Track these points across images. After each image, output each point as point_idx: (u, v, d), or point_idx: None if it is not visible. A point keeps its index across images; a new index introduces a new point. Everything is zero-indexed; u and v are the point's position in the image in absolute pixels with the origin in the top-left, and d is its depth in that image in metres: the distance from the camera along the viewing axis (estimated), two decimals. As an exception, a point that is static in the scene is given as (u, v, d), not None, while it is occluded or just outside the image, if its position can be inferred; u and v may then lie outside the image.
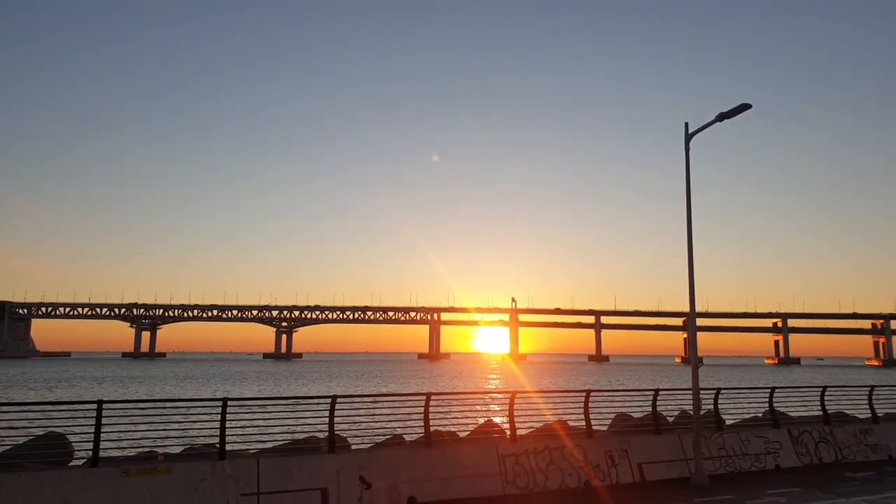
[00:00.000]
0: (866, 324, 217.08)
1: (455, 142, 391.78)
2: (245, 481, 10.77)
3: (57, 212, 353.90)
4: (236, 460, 11.04)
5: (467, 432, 14.28)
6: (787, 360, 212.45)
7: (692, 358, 15.41)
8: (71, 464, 11.46)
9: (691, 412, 14.87)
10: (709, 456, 14.93)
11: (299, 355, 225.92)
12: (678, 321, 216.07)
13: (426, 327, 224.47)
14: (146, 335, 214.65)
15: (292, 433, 12.83)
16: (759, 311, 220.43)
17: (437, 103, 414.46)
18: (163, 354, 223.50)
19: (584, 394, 14.78)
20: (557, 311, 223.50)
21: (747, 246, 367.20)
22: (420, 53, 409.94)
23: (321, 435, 12.44)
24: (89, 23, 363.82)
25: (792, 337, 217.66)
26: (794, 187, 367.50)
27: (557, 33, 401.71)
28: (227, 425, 11.40)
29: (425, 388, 62.85)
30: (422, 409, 13.02)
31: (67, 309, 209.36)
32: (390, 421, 13.57)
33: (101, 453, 10.63)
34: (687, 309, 15.49)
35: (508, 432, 13.69)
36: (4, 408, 11.08)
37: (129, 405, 12.97)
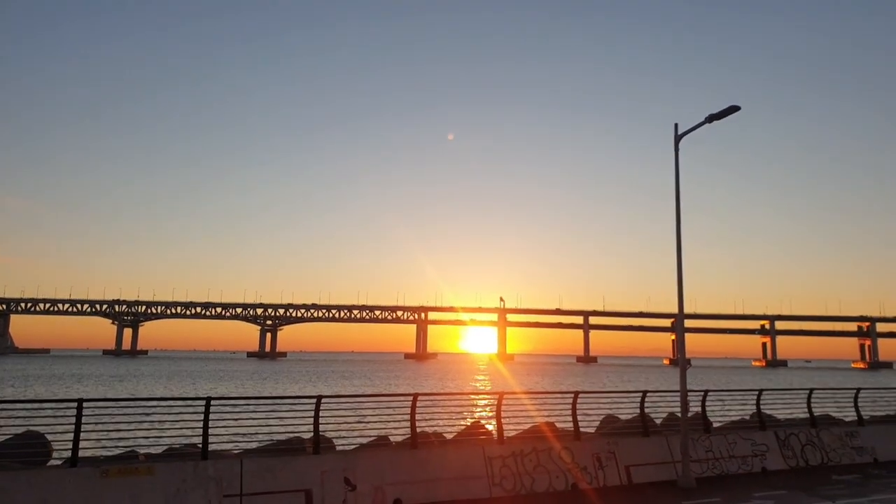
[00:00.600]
0: (852, 326, 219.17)
1: (444, 140, 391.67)
2: (228, 482, 10.58)
3: (37, 206, 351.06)
4: (219, 461, 10.85)
5: (454, 434, 14.16)
6: (774, 362, 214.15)
7: (680, 360, 15.37)
8: (49, 463, 11.25)
9: (679, 414, 14.83)
10: (696, 458, 14.90)
11: (284, 354, 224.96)
12: (666, 322, 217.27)
13: (413, 327, 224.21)
14: (128, 332, 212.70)
15: (276, 434, 12.67)
16: (746, 313, 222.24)
17: (427, 101, 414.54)
18: (145, 352, 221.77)
19: (571, 395, 14.71)
20: (546, 312, 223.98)
21: (735, 248, 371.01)
22: (408, 49, 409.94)
23: (306, 436, 12.29)
24: (66, 18, 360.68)
25: (779, 339, 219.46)
26: (783, 190, 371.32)
27: (546, 31, 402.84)
28: (210, 425, 11.21)
29: (412, 389, 62.77)
30: (408, 410, 12.89)
31: (48, 305, 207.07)
32: (376, 422, 13.42)
33: (81, 453, 10.41)
34: (675, 310, 15.45)
35: (496, 434, 13.58)
36: (-19, 406, 10.84)
37: (110, 404, 12.75)
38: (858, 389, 18.72)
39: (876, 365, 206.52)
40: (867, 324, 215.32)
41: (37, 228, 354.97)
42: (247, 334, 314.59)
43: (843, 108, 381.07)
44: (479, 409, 25.84)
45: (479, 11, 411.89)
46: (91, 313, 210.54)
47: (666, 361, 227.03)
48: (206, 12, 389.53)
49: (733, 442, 15.75)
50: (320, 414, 12.03)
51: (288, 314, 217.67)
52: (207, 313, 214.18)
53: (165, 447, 11.95)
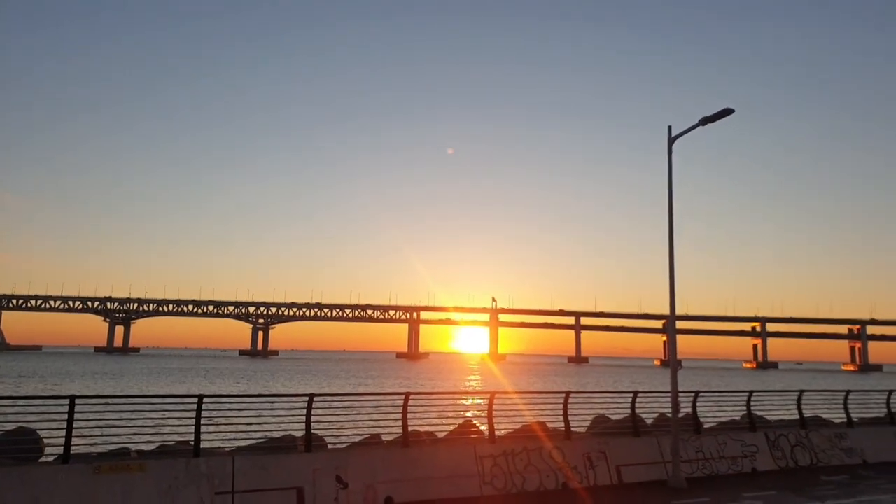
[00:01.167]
0: (843, 329, 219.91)
1: (438, 142, 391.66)
2: (220, 479, 10.60)
3: (30, 202, 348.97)
4: (211, 458, 10.87)
5: (445, 433, 14.21)
6: (765, 364, 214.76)
7: (671, 360, 15.44)
8: (41, 460, 11.24)
9: (670, 415, 14.91)
10: (686, 459, 14.98)
11: (276, 353, 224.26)
12: (658, 324, 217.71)
13: (405, 326, 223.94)
14: (120, 330, 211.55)
15: (269, 432, 12.68)
16: (738, 314, 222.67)
17: (422, 102, 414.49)
18: (136, 350, 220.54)
19: (563, 395, 14.77)
20: (538, 312, 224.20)
21: (727, 250, 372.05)
22: (402, 50, 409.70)
23: (298, 434, 12.31)
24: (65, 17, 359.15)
25: (770, 341, 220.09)
26: (776, 193, 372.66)
27: (540, 34, 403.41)
28: (202, 423, 11.22)
29: (404, 388, 62.79)
30: (400, 409, 12.92)
31: (39, 301, 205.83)
32: (368, 420, 13.45)
33: (73, 450, 10.41)
34: (667, 312, 15.52)
35: (487, 433, 13.63)
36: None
37: (102, 401, 12.75)
38: (848, 392, 18.86)
39: (866, 367, 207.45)
40: (857, 327, 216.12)
41: (29, 225, 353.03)
42: (239, 332, 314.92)
43: (835, 113, 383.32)
44: (470, 409, 25.89)
45: (475, 14, 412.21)
46: (83, 310, 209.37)
47: (657, 362, 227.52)
48: (205, 11, 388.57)
49: (723, 443, 15.84)
50: (312, 412, 12.06)
51: (280, 313, 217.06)
52: (199, 311, 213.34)
53: (158, 444, 11.94)
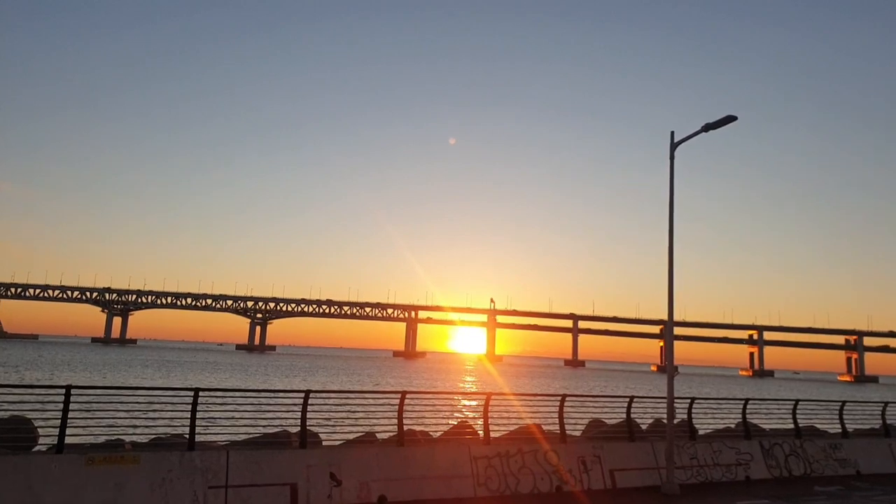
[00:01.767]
0: (840, 339, 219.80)
1: (438, 140, 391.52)
2: (213, 473, 10.60)
3: (30, 192, 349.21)
4: (205, 452, 10.86)
5: (441, 433, 14.20)
6: (761, 373, 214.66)
7: (668, 366, 15.43)
8: (35, 449, 11.23)
9: (665, 420, 14.90)
10: (681, 465, 14.97)
11: (273, 348, 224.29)
12: (655, 329, 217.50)
13: (403, 325, 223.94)
14: (117, 321, 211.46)
15: (264, 427, 12.68)
16: (735, 322, 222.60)
17: (422, 101, 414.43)
18: (134, 341, 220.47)
19: (559, 398, 14.76)
20: (535, 314, 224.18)
21: (726, 257, 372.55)
22: (403, 47, 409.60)
23: (293, 430, 12.31)
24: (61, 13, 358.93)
25: (767, 350, 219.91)
26: (775, 201, 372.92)
27: (543, 35, 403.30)
28: (197, 416, 11.21)
29: (400, 387, 62.75)
30: (395, 408, 12.92)
31: (37, 290, 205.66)
32: (363, 418, 13.45)
33: (67, 440, 10.40)
34: (664, 317, 15.52)
35: (482, 434, 13.62)
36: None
37: (98, 391, 12.73)
38: (844, 402, 18.85)
39: (862, 379, 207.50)
40: (854, 337, 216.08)
41: (29, 214, 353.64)
42: (236, 327, 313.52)
43: (837, 121, 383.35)
44: (466, 409, 25.89)
45: (477, 13, 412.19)
46: (81, 300, 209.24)
47: (654, 368, 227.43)
48: (205, 5, 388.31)
49: (718, 450, 15.84)
50: (308, 409, 12.06)
51: (278, 308, 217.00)
52: (198, 304, 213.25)
53: (152, 437, 11.94)
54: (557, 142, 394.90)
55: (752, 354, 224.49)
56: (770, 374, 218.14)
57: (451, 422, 15.23)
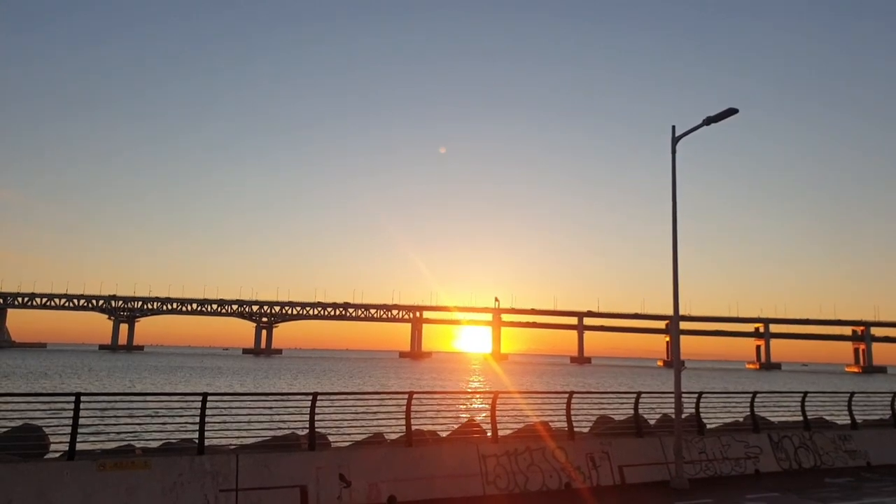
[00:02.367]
0: (847, 330, 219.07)
1: (440, 141, 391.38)
2: (224, 477, 10.64)
3: (35, 201, 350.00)
4: (215, 455, 10.90)
5: (449, 432, 14.22)
6: (768, 365, 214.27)
7: (675, 361, 15.42)
8: (47, 456, 11.29)
9: (673, 415, 14.90)
10: (689, 460, 14.97)
11: (279, 351, 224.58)
12: (661, 324, 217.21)
13: (408, 325, 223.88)
14: (124, 328, 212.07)
15: (272, 430, 12.71)
16: (741, 315, 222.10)
17: (424, 101, 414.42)
18: (141, 348, 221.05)
19: (566, 395, 14.77)
20: (541, 312, 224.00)
21: (731, 251, 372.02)
22: (405, 49, 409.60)
23: (301, 432, 12.34)
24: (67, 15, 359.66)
25: (774, 342, 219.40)
26: (780, 193, 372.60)
27: (542, 33, 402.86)
28: (206, 420, 11.25)
29: (407, 387, 62.80)
30: (403, 408, 12.94)
31: (44, 299, 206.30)
32: (371, 419, 13.48)
33: (78, 446, 10.45)
34: (670, 312, 15.50)
35: (490, 433, 13.64)
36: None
37: (108, 398, 12.78)
38: (853, 393, 18.81)
39: (870, 369, 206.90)
40: (862, 328, 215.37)
41: (34, 223, 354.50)
42: (242, 331, 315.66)
43: (840, 113, 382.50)
44: (473, 408, 25.91)
45: (476, 13, 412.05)
46: (87, 308, 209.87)
47: (660, 363, 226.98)
48: (206, 7, 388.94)
49: (727, 444, 15.83)
50: (316, 411, 12.09)
51: (283, 312, 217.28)
52: (203, 310, 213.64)
53: (162, 442, 11.99)
54: (561, 140, 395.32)
55: (758, 347, 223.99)
56: (777, 366, 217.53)
57: (458, 421, 15.25)
